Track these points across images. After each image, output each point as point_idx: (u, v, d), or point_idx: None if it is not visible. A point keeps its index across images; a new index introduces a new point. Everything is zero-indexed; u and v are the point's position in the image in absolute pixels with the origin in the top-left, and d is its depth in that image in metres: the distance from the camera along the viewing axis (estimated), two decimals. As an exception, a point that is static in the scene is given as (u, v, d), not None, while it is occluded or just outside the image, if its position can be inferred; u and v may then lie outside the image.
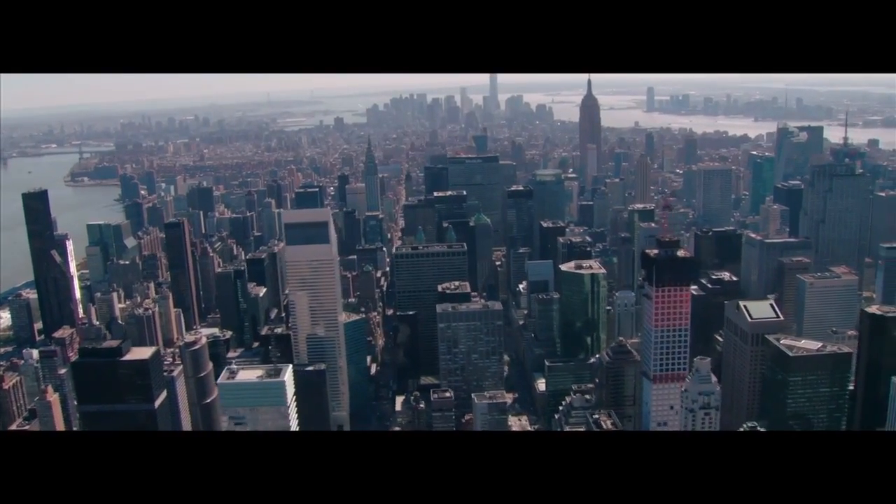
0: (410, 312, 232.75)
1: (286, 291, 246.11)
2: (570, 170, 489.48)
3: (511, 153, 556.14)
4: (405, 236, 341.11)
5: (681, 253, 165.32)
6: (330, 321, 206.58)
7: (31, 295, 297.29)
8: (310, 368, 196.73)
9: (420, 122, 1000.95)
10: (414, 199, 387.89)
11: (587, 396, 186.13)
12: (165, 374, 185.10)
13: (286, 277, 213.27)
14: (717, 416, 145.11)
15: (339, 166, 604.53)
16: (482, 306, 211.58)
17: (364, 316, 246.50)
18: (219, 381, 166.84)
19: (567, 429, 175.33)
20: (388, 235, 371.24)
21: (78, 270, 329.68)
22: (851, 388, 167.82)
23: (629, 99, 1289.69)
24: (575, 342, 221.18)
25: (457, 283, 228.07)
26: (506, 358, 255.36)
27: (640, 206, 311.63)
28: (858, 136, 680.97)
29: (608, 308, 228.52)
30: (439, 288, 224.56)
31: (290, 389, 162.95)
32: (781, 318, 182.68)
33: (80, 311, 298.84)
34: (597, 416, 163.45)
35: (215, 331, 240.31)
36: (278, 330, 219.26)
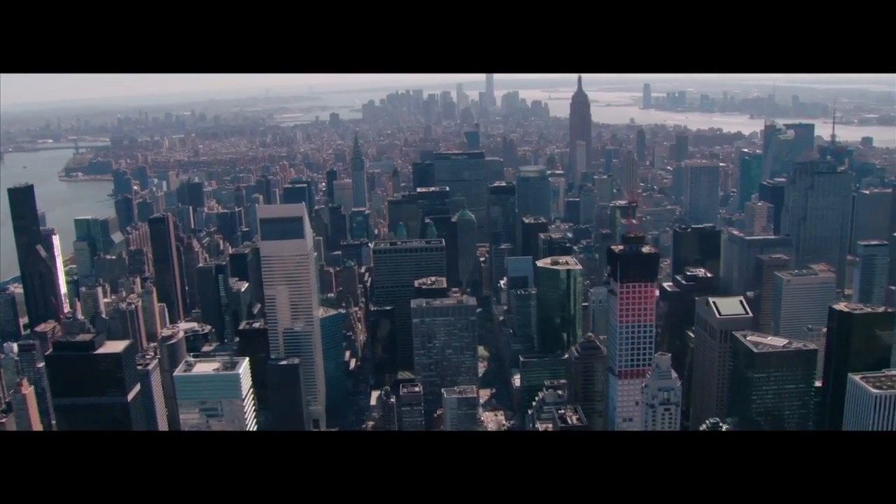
0: (388, 308, 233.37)
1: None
2: (559, 166, 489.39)
3: (502, 149, 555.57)
4: (390, 232, 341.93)
5: (646, 249, 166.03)
6: (306, 316, 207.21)
7: (18, 289, 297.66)
8: (284, 362, 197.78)
9: (415, 117, 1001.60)
10: (398, 194, 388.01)
11: (559, 392, 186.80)
12: (140, 367, 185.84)
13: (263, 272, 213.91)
14: (678, 412, 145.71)
15: (331, 162, 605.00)
16: (457, 302, 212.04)
17: (341, 311, 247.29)
18: (175, 373, 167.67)
19: (539, 424, 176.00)
20: (376, 231, 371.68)
21: (66, 265, 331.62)
22: (819, 385, 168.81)
23: (626, 96, 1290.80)
24: (552, 338, 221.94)
25: (433, 278, 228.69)
26: (485, 353, 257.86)
27: (621, 202, 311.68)
28: (853, 134, 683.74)
29: (585, 304, 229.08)
30: (416, 283, 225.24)
31: (247, 382, 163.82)
32: (750, 314, 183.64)
33: (67, 305, 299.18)
34: (562, 411, 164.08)
35: (194, 325, 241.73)
36: (256, 325, 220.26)
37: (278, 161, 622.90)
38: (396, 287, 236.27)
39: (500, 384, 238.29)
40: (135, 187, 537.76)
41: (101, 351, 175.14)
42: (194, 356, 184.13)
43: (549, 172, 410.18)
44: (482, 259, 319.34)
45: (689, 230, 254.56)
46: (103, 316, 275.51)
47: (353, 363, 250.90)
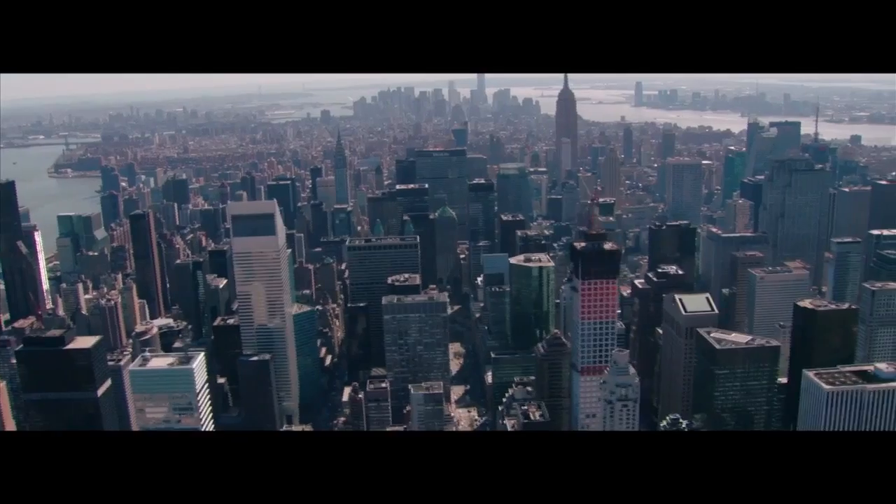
0: (362, 304, 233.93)
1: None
2: (542, 164, 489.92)
3: (489, 147, 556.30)
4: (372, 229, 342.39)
5: (607, 246, 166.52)
6: (279, 312, 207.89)
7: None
8: (255, 358, 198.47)
9: (406, 115, 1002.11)
10: (379, 192, 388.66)
11: (528, 388, 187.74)
12: (111, 363, 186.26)
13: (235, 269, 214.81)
14: (636, 408, 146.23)
15: (320, 159, 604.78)
16: (428, 298, 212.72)
17: (318, 307, 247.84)
18: (129, 367, 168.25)
19: (507, 421, 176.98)
20: (359, 228, 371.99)
21: (50, 262, 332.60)
22: (784, 381, 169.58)
23: (619, 93, 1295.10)
24: (525, 334, 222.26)
25: (406, 275, 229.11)
26: (461, 350, 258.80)
27: (600, 199, 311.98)
28: (842, 132, 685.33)
29: (557, 301, 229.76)
30: (389, 280, 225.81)
31: (201, 377, 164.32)
32: (716, 311, 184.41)
33: (49, 301, 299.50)
34: (525, 407, 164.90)
35: (169, 321, 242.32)
36: (231, 321, 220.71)
37: (266, 158, 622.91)
38: (371, 284, 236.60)
39: (475, 381, 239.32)
40: (122, 184, 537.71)
41: (71, 346, 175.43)
42: (149, 351, 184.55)
43: (531, 170, 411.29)
44: (462, 256, 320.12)
45: (665, 227, 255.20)
46: (83, 312, 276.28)
47: (329, 359, 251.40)
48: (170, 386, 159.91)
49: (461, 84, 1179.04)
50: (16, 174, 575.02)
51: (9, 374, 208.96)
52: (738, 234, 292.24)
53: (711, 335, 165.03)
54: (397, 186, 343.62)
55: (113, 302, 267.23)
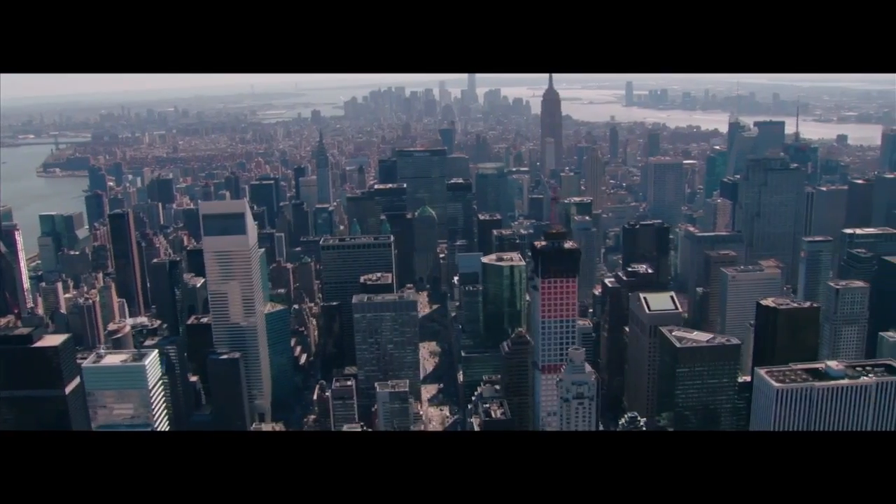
0: (335, 303, 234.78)
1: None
2: (525, 163, 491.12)
3: (475, 147, 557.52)
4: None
5: (568, 245, 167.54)
6: (250, 311, 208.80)
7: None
8: (224, 357, 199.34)
9: (397, 115, 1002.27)
10: (358, 191, 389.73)
11: (496, 387, 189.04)
12: (81, 361, 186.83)
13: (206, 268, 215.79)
14: (593, 406, 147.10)
15: (308, 159, 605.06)
16: (398, 297, 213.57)
17: (291, 306, 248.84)
18: (83, 364, 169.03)
19: (473, 419, 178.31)
20: (341, 227, 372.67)
21: (33, 261, 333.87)
22: (747, 379, 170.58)
23: (610, 93, 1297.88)
24: (497, 332, 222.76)
25: (378, 274, 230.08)
26: (437, 349, 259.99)
27: (576, 199, 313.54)
28: (829, 132, 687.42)
29: (528, 299, 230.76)
30: (361, 279, 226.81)
31: (155, 374, 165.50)
32: (680, 310, 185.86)
33: (29, 300, 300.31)
34: (487, 405, 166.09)
35: (144, 320, 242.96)
36: (205, 319, 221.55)
37: (254, 158, 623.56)
38: (345, 283, 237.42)
39: (449, 379, 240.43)
40: (110, 183, 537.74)
41: (39, 345, 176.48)
42: (104, 350, 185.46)
43: (514, 169, 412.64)
44: (442, 256, 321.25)
45: (639, 226, 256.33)
46: (61, 311, 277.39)
47: (304, 358, 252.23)
48: (123, 382, 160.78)
49: (452, 84, 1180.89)
50: (4, 173, 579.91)
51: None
52: (712, 234, 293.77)
53: (673, 334, 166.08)
54: (375, 186, 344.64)
55: (91, 301, 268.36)
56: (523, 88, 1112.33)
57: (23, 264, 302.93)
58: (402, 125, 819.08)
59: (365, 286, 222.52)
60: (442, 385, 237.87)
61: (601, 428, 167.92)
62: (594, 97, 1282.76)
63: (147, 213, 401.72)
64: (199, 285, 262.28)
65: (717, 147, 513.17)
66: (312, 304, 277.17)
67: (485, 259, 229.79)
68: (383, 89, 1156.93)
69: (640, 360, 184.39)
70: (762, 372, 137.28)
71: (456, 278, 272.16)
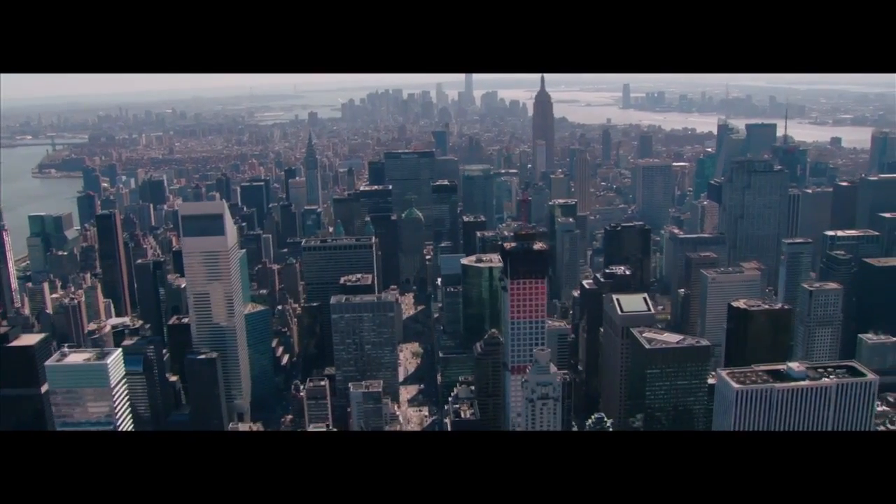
0: (315, 304, 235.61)
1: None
2: (516, 165, 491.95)
3: (468, 149, 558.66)
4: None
5: (537, 246, 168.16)
6: (229, 311, 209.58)
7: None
8: (202, 357, 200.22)
9: (394, 117, 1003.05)
10: (345, 193, 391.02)
11: (472, 388, 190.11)
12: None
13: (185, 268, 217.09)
14: (558, 407, 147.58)
15: (302, 160, 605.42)
16: (375, 298, 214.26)
17: (276, 307, 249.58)
18: (46, 362, 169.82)
19: (447, 419, 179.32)
20: (330, 229, 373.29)
21: (23, 262, 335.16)
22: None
23: (607, 96, 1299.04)
24: (477, 334, 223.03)
25: (358, 275, 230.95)
26: (419, 350, 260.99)
27: (560, 200, 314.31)
28: (824, 134, 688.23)
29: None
30: (341, 280, 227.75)
31: (118, 373, 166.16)
32: (652, 311, 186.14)
33: (17, 301, 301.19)
34: (457, 406, 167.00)
35: (125, 320, 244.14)
36: (185, 320, 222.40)
37: (249, 159, 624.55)
38: (327, 284, 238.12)
39: (430, 380, 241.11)
40: (104, 184, 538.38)
41: (15, 344, 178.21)
42: (69, 350, 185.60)
43: (503, 171, 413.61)
44: (428, 258, 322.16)
45: (621, 228, 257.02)
46: (47, 311, 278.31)
47: (286, 358, 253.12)
48: (85, 381, 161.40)
49: (449, 86, 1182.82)
50: (1, 174, 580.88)
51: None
52: (695, 236, 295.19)
53: (644, 335, 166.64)
54: (361, 188, 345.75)
55: (76, 301, 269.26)
56: (521, 91, 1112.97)
57: (11, 264, 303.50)
58: (397, 127, 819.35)
59: (344, 287, 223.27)
60: (422, 386, 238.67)
61: (574, 428, 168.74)
62: (592, 99, 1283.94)
63: (138, 214, 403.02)
64: (183, 286, 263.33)
65: (710, 150, 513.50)
66: (297, 306, 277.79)
67: (464, 260, 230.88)
68: (380, 91, 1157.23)
69: (613, 362, 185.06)
70: (723, 373, 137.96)
71: (439, 280, 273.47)
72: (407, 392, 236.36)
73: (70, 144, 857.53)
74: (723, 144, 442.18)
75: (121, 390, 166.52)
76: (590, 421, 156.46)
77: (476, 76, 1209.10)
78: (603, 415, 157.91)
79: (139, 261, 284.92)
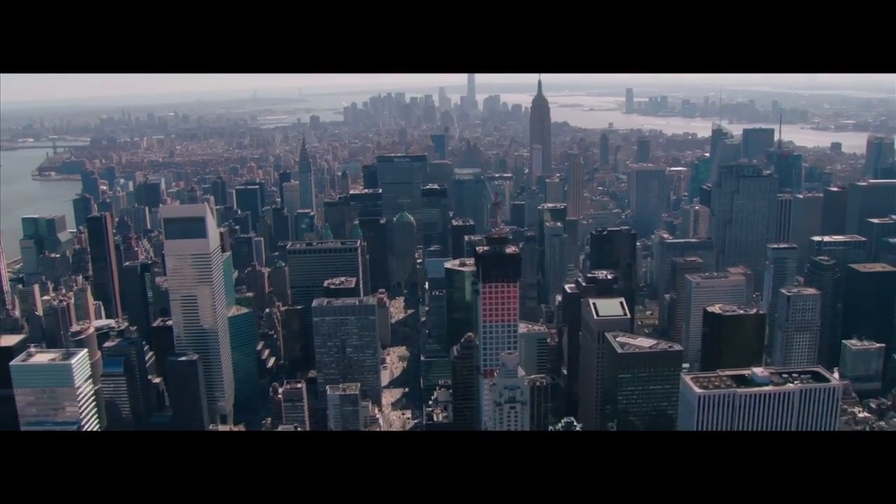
0: (299, 307, 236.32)
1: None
2: (511, 170, 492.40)
3: (466, 153, 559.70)
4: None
5: (509, 250, 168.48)
6: (211, 314, 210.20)
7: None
8: (182, 359, 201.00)
9: (396, 121, 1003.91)
10: (336, 196, 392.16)
11: (451, 391, 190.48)
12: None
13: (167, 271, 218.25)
14: (526, 411, 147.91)
15: (298, 164, 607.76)
16: (357, 301, 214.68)
17: (264, 310, 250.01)
18: (11, 362, 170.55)
19: (423, 422, 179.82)
20: (324, 232, 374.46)
21: (17, 264, 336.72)
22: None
23: (611, 100, 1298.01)
24: (460, 337, 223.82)
25: (342, 278, 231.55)
26: (406, 353, 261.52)
27: (549, 205, 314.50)
28: (825, 140, 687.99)
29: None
30: (325, 283, 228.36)
31: (83, 373, 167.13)
32: (628, 316, 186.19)
33: (9, 302, 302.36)
34: (430, 409, 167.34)
35: (111, 322, 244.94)
36: (170, 322, 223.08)
37: (248, 163, 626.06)
38: (312, 287, 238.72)
39: (415, 383, 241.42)
40: (103, 187, 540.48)
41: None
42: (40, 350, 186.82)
43: (497, 175, 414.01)
44: (419, 261, 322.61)
45: (606, 233, 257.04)
46: (37, 313, 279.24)
47: (272, 361, 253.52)
48: (50, 381, 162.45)
49: (452, 90, 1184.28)
50: (1, 177, 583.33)
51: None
52: (682, 241, 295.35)
53: (617, 339, 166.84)
54: (351, 191, 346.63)
55: (65, 303, 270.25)
56: (523, 95, 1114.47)
57: (3, 266, 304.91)
58: (398, 131, 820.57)
59: (328, 290, 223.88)
60: (407, 389, 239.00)
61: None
62: (595, 104, 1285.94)
63: (133, 217, 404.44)
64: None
65: (707, 155, 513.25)
66: (285, 308, 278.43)
67: (448, 264, 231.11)
68: (383, 95, 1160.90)
69: (589, 366, 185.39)
70: (687, 378, 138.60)
71: (427, 284, 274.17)
72: (391, 395, 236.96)
73: (71, 147, 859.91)
74: (717, 149, 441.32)
75: (86, 391, 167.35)
76: (560, 425, 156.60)
77: (479, 80, 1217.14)
78: (573, 419, 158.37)
79: (126, 263, 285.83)
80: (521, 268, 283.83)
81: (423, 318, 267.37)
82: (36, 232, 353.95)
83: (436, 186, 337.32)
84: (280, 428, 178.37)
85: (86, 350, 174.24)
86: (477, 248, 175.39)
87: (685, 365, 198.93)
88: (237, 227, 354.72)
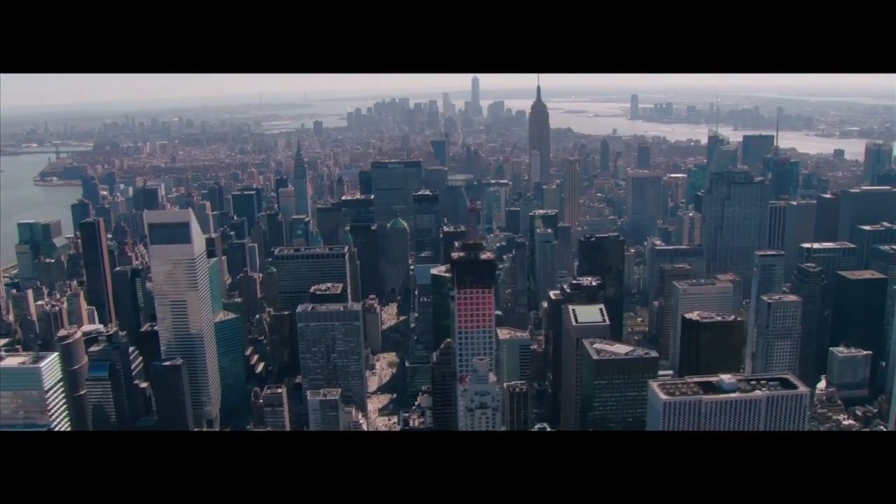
0: (286, 312, 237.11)
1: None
2: (506, 176, 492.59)
3: (466, 159, 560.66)
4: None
5: (484, 256, 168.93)
6: (196, 319, 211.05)
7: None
8: (167, 364, 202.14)
9: (400, 126, 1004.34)
10: (329, 202, 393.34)
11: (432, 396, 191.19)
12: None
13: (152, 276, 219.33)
14: (497, 416, 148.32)
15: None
16: (342, 307, 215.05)
17: (241, 315, 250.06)
18: None
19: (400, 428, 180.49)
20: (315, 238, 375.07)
21: (14, 269, 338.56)
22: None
23: (617, 107, 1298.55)
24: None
25: (328, 284, 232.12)
26: (396, 359, 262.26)
27: (541, 211, 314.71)
28: (829, 146, 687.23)
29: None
30: (311, 289, 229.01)
31: (53, 376, 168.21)
32: (607, 322, 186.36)
33: (4, 307, 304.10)
34: (406, 414, 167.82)
35: (100, 326, 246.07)
36: (157, 327, 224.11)
37: (249, 168, 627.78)
38: (299, 293, 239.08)
39: (403, 389, 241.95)
40: (103, 192, 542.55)
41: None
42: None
43: (493, 181, 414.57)
44: (413, 268, 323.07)
45: (594, 239, 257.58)
46: (30, 318, 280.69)
47: (261, 366, 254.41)
48: (18, 384, 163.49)
49: (456, 96, 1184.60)
50: (3, 182, 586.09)
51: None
52: (672, 247, 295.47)
53: (594, 346, 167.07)
54: (343, 198, 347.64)
55: (58, 308, 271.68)
56: (527, 101, 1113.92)
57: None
58: (401, 137, 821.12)
59: (314, 296, 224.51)
60: (395, 395, 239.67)
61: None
62: (601, 110, 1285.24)
63: (130, 223, 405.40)
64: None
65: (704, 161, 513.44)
66: (274, 314, 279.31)
67: (434, 271, 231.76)
68: (387, 101, 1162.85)
69: (569, 372, 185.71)
70: (654, 385, 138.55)
71: (417, 290, 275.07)
72: (379, 401, 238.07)
73: (74, 152, 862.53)
74: (713, 156, 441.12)
75: (56, 394, 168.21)
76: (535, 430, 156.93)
77: (483, 86, 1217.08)
78: (546, 425, 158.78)
79: (117, 268, 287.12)
80: (515, 274, 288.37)
81: (412, 325, 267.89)
82: (32, 237, 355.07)
83: (428, 193, 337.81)
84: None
85: (56, 354, 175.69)
86: (452, 255, 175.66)
87: (669, 371, 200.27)
88: (232, 232, 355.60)
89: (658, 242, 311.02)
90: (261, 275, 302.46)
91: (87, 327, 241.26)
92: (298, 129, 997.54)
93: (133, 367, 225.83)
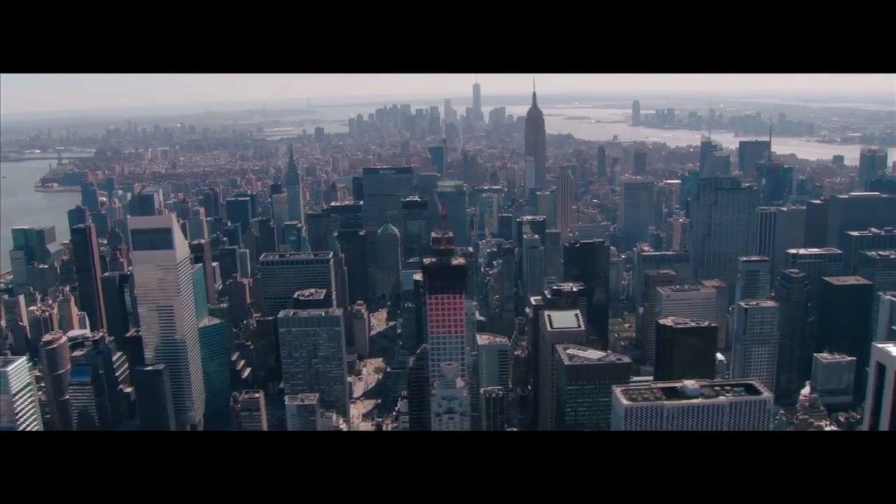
0: (269, 318, 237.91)
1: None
2: (500, 181, 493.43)
3: (463, 165, 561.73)
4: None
5: (455, 262, 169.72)
6: (178, 324, 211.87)
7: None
8: (148, 368, 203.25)
9: (401, 132, 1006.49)
10: (318, 208, 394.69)
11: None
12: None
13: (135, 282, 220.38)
14: (465, 421, 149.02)
15: (303, 176, 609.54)
16: (323, 313, 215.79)
17: (226, 320, 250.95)
18: None
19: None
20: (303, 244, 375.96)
21: (9, 275, 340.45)
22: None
23: (619, 113, 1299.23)
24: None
25: (312, 290, 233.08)
26: (382, 365, 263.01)
27: (528, 217, 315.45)
28: (829, 152, 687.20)
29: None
30: (295, 294, 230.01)
31: (21, 380, 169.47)
32: (583, 328, 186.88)
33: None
34: (381, 419, 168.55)
35: (85, 331, 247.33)
36: (141, 332, 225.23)
37: (247, 174, 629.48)
38: (284, 298, 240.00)
39: (387, 395, 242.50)
40: (102, 198, 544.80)
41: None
42: None
43: (486, 187, 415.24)
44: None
45: (579, 245, 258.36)
46: (21, 323, 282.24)
47: (248, 371, 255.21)
48: None
49: (457, 102, 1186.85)
50: (3, 188, 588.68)
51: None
52: (658, 253, 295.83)
53: (567, 351, 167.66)
54: (331, 204, 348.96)
55: (48, 313, 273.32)
56: (528, 107, 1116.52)
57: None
58: (402, 143, 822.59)
59: (297, 301, 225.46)
60: (379, 400, 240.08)
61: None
62: (603, 116, 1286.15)
63: (125, 229, 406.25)
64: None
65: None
66: (259, 319, 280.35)
67: (416, 276, 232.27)
68: (388, 107, 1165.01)
69: (545, 378, 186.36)
70: (617, 390, 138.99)
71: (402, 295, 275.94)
72: (364, 406, 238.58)
73: (76, 159, 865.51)
74: (706, 161, 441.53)
75: (25, 398, 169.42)
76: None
77: (484, 92, 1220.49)
78: (515, 430, 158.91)
79: (105, 274, 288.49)
80: (502, 280, 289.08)
81: (399, 331, 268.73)
82: (26, 243, 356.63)
83: (417, 199, 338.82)
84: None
85: (23, 358, 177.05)
86: (424, 260, 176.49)
87: (650, 378, 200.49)
88: (225, 238, 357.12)
89: (646, 248, 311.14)
90: (250, 280, 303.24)
91: (73, 332, 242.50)
92: (300, 136, 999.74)
93: (120, 372, 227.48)
